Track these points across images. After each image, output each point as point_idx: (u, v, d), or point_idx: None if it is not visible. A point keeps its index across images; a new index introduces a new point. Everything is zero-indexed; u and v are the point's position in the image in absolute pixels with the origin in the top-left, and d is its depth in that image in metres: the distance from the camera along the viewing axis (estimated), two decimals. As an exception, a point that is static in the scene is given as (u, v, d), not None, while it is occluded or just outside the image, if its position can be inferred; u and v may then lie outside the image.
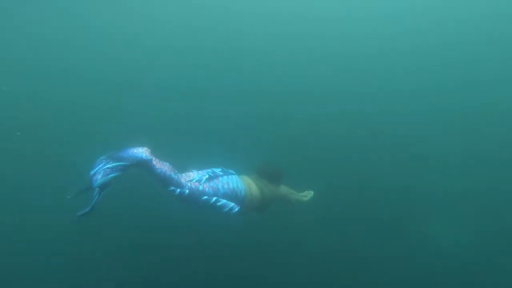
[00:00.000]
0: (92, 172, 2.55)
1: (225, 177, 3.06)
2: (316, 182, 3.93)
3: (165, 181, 2.77)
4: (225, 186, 2.98)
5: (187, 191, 2.79)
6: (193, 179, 2.91)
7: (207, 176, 2.95)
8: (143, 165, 2.71)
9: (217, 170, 3.09)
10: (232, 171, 3.24)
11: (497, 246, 4.13)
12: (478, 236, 4.28)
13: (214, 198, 2.87)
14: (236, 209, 2.92)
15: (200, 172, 3.04)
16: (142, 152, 2.71)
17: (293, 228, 4.09)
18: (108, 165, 2.56)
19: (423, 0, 6.90)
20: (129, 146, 2.75)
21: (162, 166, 2.78)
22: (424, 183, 4.83)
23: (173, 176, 2.79)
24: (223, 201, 2.89)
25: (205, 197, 2.84)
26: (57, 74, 5.83)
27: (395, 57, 6.45)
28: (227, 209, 2.88)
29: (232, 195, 2.99)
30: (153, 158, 2.76)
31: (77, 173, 2.85)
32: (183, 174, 2.97)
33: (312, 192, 3.86)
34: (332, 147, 5.12)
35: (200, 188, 2.87)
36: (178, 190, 2.76)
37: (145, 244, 3.94)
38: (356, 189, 4.60)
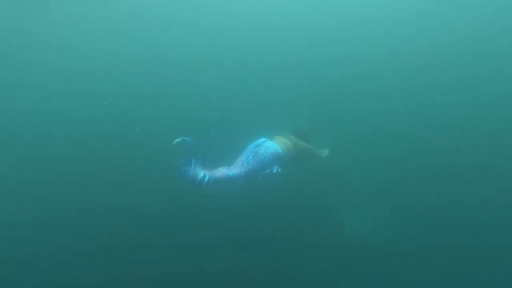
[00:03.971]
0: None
1: (262, 148, 3.83)
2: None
3: (228, 182, 3.61)
4: (266, 155, 3.78)
5: (243, 178, 3.63)
6: (243, 162, 3.72)
7: (251, 156, 3.76)
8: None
9: (254, 146, 3.86)
10: (265, 139, 4.00)
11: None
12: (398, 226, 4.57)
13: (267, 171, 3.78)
14: (278, 169, 3.83)
15: (243, 155, 3.84)
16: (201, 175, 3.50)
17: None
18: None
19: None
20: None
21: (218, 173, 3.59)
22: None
23: (229, 174, 3.62)
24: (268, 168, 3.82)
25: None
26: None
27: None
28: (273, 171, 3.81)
29: (273, 157, 3.82)
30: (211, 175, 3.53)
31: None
32: (233, 165, 3.74)
33: (328, 150, 4.73)
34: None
35: (251, 167, 3.70)
36: (238, 181, 3.64)
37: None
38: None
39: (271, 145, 3.93)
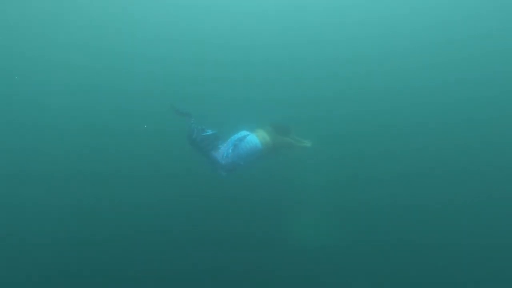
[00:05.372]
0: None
1: (243, 142, 4.15)
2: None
3: (214, 162, 4.04)
4: (245, 149, 4.13)
5: (223, 173, 4.05)
6: (223, 155, 4.04)
7: (230, 149, 4.08)
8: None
9: (236, 139, 4.17)
10: (247, 132, 4.29)
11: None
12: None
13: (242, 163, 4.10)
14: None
15: (225, 146, 4.14)
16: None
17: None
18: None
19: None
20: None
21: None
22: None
23: (217, 158, 4.02)
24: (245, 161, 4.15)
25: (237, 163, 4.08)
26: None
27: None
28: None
29: (251, 151, 4.17)
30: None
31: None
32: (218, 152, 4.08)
33: (311, 141, 4.92)
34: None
35: (230, 160, 4.05)
36: (219, 171, 4.07)
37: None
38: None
39: (252, 140, 4.23)
